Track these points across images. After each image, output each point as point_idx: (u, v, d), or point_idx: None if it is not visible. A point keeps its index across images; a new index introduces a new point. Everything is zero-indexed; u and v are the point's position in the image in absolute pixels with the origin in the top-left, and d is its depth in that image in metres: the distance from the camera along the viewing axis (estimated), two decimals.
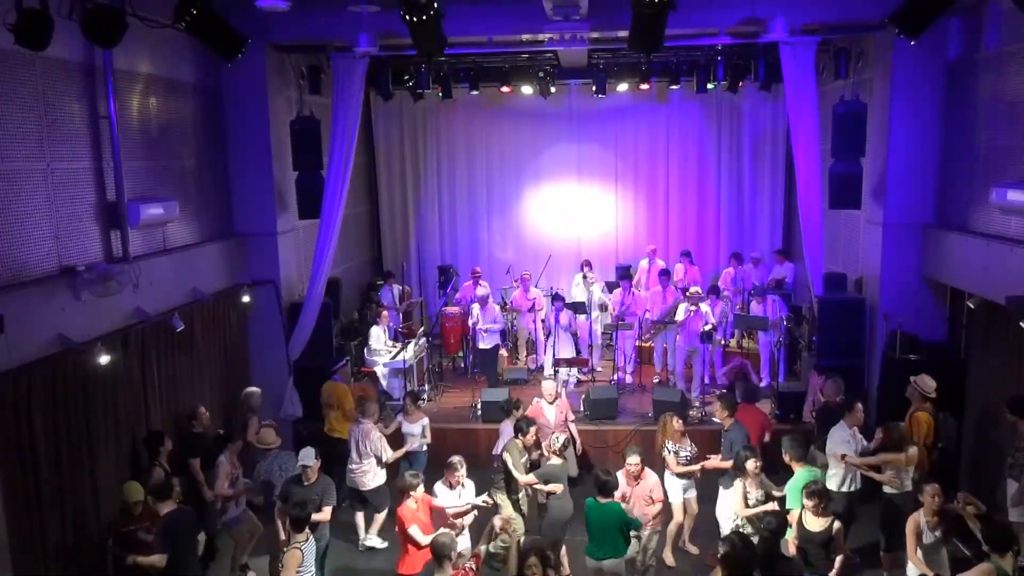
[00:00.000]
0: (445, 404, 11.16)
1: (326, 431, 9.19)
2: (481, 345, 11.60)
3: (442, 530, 6.53)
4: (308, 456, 7.07)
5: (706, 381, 11.08)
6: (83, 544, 6.73)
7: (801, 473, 6.94)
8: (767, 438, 8.44)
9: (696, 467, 7.88)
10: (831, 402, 8.31)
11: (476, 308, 11.68)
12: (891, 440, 7.39)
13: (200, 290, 8.74)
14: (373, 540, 8.46)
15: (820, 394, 8.87)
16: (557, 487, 7.33)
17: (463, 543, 6.91)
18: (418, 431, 8.77)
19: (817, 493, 6.32)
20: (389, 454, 8.28)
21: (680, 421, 8.09)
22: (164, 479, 7.03)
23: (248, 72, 9.51)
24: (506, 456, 7.66)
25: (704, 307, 10.91)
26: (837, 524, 6.31)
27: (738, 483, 7.08)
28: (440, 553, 5.82)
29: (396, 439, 8.78)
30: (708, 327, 10.75)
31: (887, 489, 7.37)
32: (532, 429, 7.84)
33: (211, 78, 9.55)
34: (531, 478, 7.53)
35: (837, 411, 7.92)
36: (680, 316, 10.91)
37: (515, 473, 7.59)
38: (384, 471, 8.30)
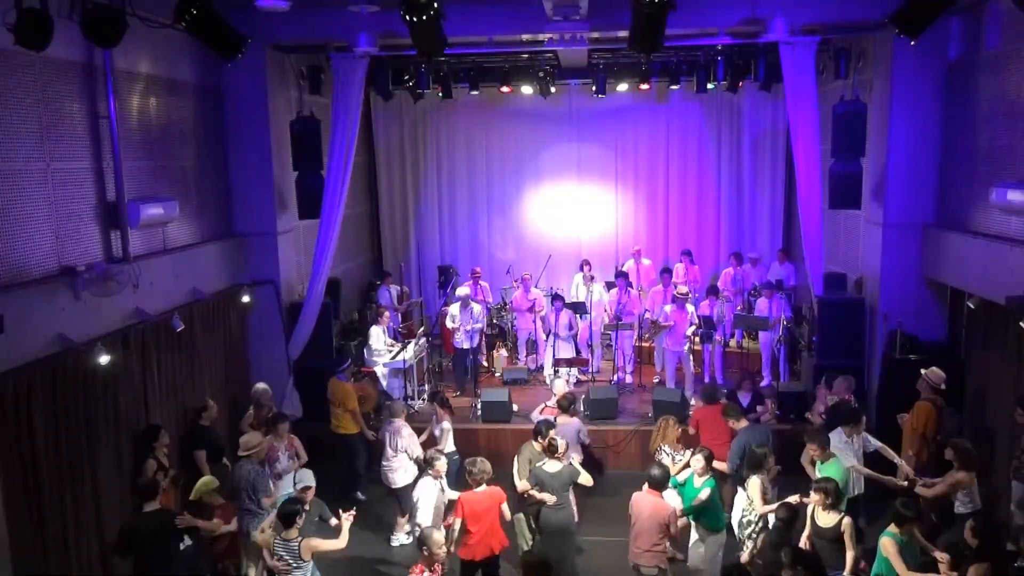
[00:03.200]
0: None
1: (332, 428, 9.19)
2: (463, 345, 11.39)
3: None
4: (308, 478, 6.91)
5: (706, 381, 11.07)
6: (83, 544, 6.72)
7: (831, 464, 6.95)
8: None
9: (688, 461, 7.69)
10: (841, 400, 8.30)
11: (456, 308, 11.41)
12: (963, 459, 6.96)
13: (200, 290, 8.73)
14: (400, 538, 8.46)
15: (828, 398, 8.79)
16: (548, 497, 6.98)
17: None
18: (438, 433, 8.65)
19: (824, 489, 6.31)
20: (419, 452, 8.25)
21: (680, 429, 8.02)
22: (154, 476, 7.08)
23: (248, 72, 9.52)
24: (517, 457, 7.59)
25: (689, 307, 10.89)
26: (847, 520, 6.29)
27: (755, 479, 6.97)
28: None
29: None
30: (692, 327, 10.76)
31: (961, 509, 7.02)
32: (552, 432, 7.49)
33: (211, 78, 9.55)
34: (525, 484, 7.24)
35: (847, 411, 7.92)
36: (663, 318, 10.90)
37: (515, 476, 7.48)
38: (415, 469, 8.19)
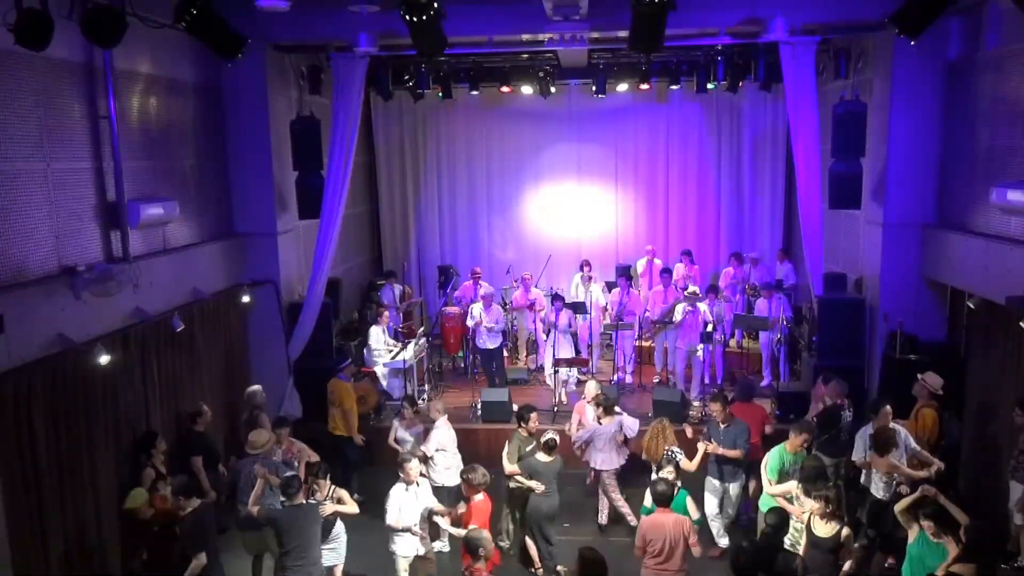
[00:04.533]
0: (445, 404, 11.10)
1: (329, 429, 9.16)
2: (488, 345, 11.41)
3: (472, 526, 6.48)
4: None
5: (706, 381, 11.07)
6: (83, 543, 6.73)
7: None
8: (768, 431, 8.49)
9: (704, 448, 7.71)
10: (833, 404, 8.28)
11: (478, 308, 11.48)
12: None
13: (200, 290, 8.74)
14: (438, 543, 7.92)
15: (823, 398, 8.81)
16: (538, 485, 7.29)
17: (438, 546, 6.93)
18: (412, 439, 8.46)
19: (825, 497, 6.12)
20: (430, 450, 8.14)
21: (675, 430, 8.02)
22: (153, 483, 7.02)
23: (248, 72, 9.52)
24: (507, 443, 7.78)
25: (702, 306, 10.89)
26: (846, 531, 6.15)
27: (810, 503, 6.60)
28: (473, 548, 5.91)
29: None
30: (709, 327, 10.75)
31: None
32: (532, 416, 7.80)
33: (211, 78, 9.55)
34: (515, 468, 7.54)
35: (838, 413, 7.92)
36: (678, 316, 10.88)
37: (504, 460, 7.68)
38: (455, 472, 7.94)
